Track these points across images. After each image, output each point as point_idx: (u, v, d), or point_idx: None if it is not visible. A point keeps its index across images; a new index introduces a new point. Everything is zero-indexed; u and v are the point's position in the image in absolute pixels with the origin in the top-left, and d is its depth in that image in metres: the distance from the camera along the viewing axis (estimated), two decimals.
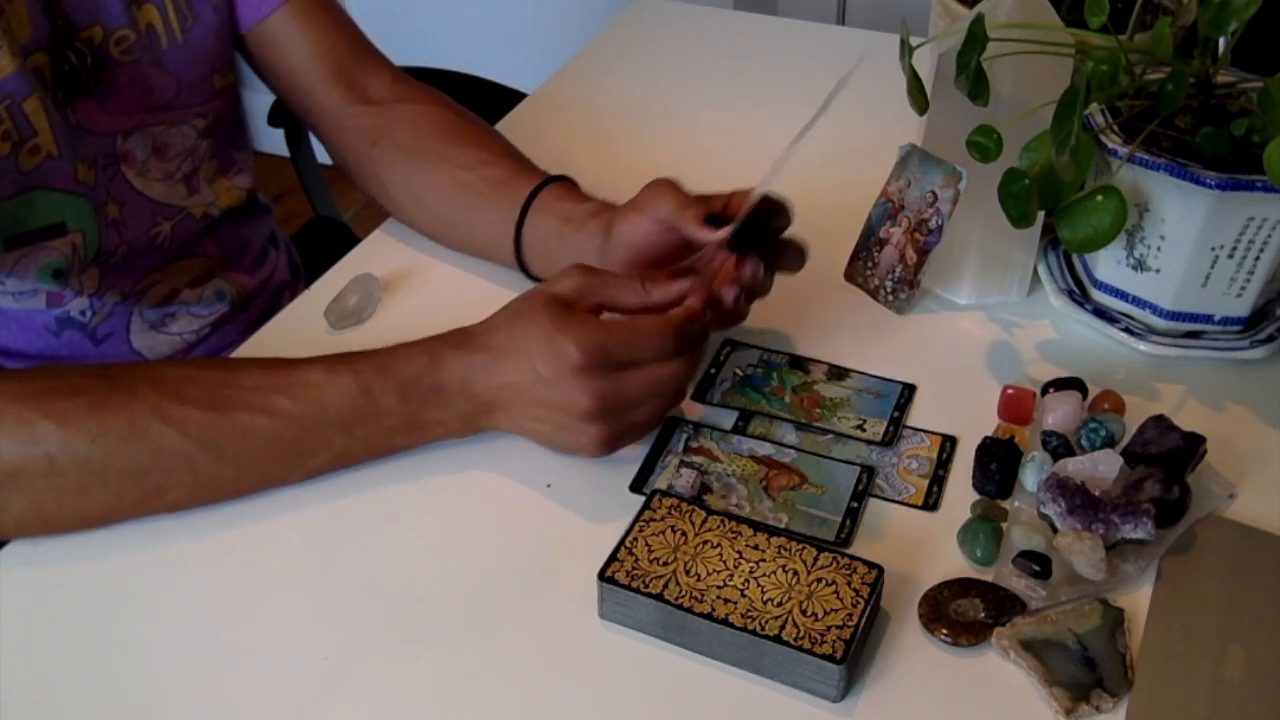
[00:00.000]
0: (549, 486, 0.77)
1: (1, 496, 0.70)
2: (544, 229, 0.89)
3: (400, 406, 0.76)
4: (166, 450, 0.72)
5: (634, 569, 0.67)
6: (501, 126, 1.10)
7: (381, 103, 1.01)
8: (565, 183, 0.92)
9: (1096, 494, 0.72)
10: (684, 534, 0.69)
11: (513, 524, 0.75)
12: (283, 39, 1.00)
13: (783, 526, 0.74)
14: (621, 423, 0.75)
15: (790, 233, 0.83)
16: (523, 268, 0.92)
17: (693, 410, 0.83)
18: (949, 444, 0.80)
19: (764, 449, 0.79)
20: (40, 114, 0.86)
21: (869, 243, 0.93)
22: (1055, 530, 0.72)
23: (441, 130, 0.98)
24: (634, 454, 0.79)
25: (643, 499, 0.73)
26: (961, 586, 0.69)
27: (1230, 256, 0.82)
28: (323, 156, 1.45)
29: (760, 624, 0.64)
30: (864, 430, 0.81)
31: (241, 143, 1.08)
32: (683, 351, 0.75)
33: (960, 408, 0.82)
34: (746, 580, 0.67)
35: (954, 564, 0.72)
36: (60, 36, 0.88)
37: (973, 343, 0.89)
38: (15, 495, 0.70)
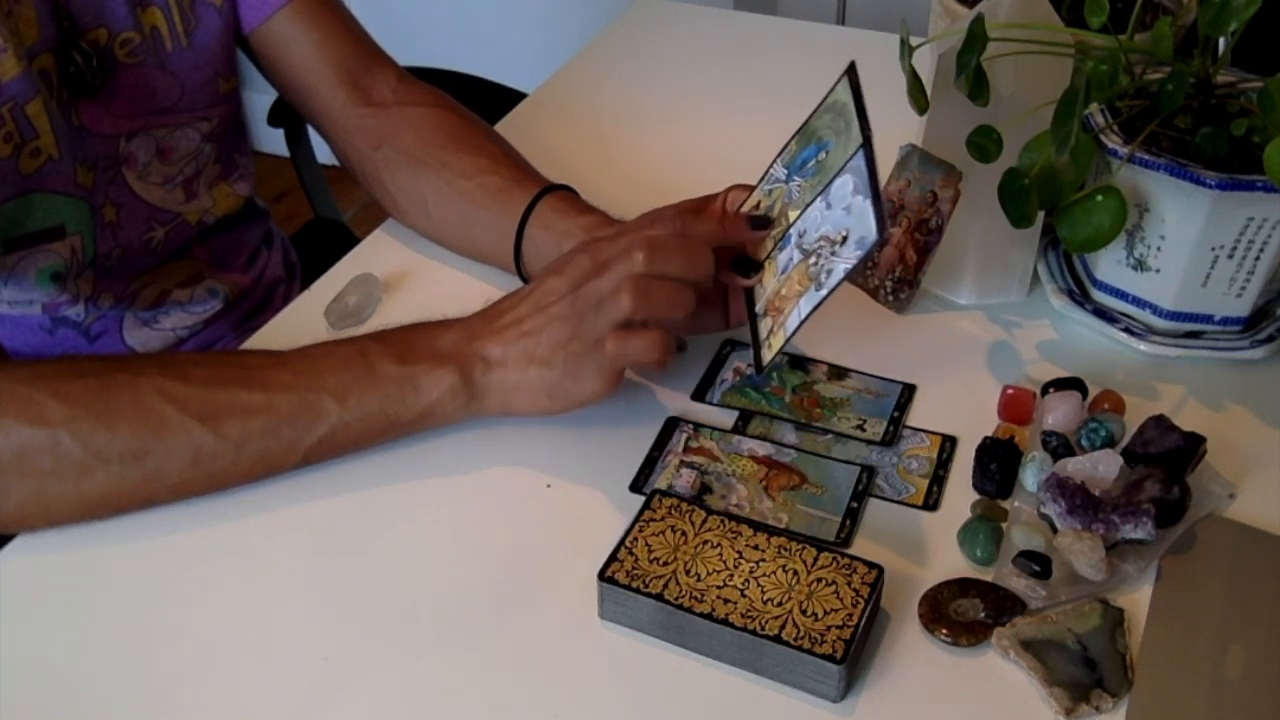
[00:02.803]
0: (549, 486, 0.77)
1: (5, 481, 0.70)
2: (543, 244, 0.89)
3: (397, 370, 0.76)
4: (167, 427, 0.72)
5: (634, 569, 0.67)
6: (501, 126, 1.10)
7: (386, 105, 1.00)
8: (563, 192, 0.92)
9: (1096, 494, 0.72)
10: (684, 534, 0.69)
11: (513, 524, 0.75)
12: (286, 39, 1.00)
13: (783, 526, 0.74)
14: (591, 303, 0.74)
15: None
16: (524, 280, 0.92)
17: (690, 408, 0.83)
18: (949, 444, 0.80)
19: (764, 449, 0.79)
20: (43, 116, 0.86)
21: None
22: (1055, 530, 0.72)
23: (444, 136, 0.98)
24: (634, 454, 0.79)
25: (643, 499, 0.73)
26: (961, 586, 0.69)
27: (1230, 256, 0.82)
28: (322, 156, 1.45)
29: (760, 624, 0.64)
30: (864, 430, 0.81)
31: (243, 148, 1.08)
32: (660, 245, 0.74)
33: (960, 408, 0.82)
34: (746, 580, 0.67)
35: (954, 564, 0.72)
36: (66, 38, 0.88)
37: (973, 343, 0.89)
38: (19, 479, 0.71)
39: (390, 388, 0.76)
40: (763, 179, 0.82)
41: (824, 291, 0.72)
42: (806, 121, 0.80)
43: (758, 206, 0.82)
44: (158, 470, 0.72)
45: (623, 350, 0.74)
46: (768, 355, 0.76)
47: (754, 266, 0.80)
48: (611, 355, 0.74)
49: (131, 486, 0.73)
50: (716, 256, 0.77)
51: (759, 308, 0.79)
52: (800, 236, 0.76)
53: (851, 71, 0.77)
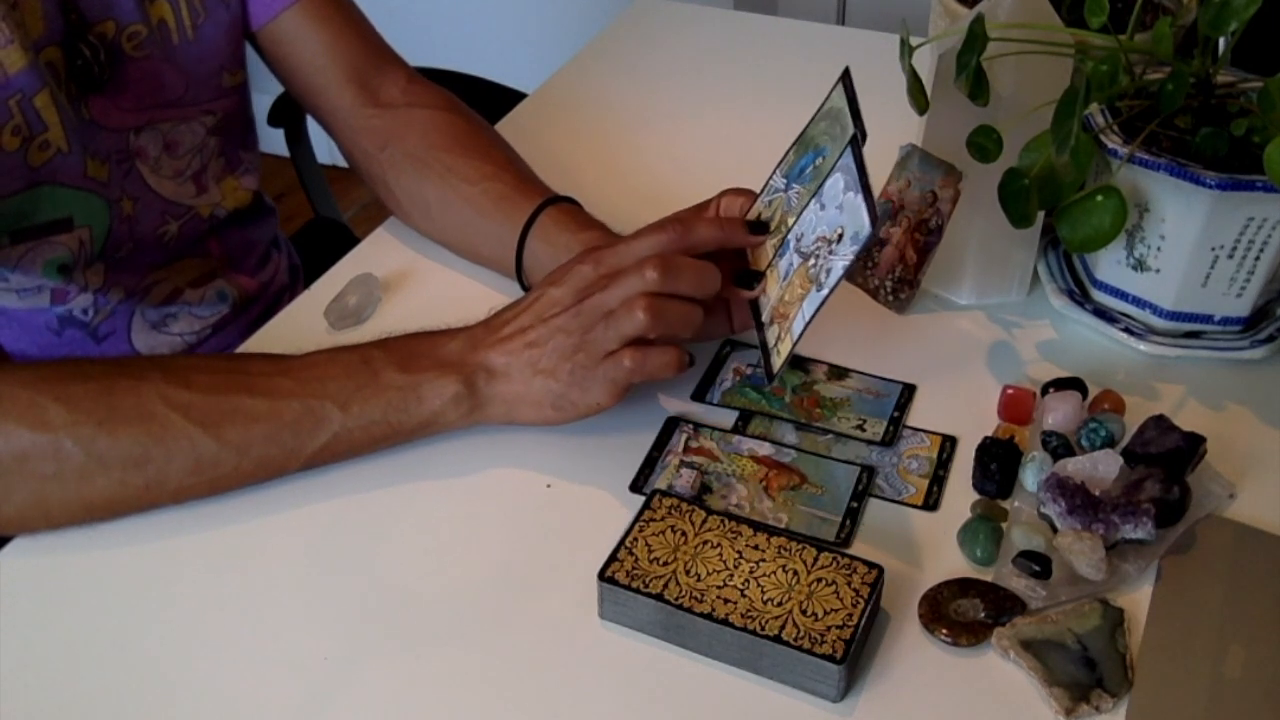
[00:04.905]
0: (549, 486, 0.77)
1: (6, 484, 0.70)
2: (543, 257, 0.89)
3: (400, 379, 0.76)
4: (169, 434, 0.72)
5: (634, 569, 0.67)
6: (501, 127, 1.10)
7: (394, 106, 1.00)
8: (566, 204, 0.92)
9: (1096, 494, 0.72)
10: (684, 534, 0.69)
11: (513, 524, 0.75)
12: (295, 38, 1.00)
13: (783, 526, 0.74)
14: (597, 317, 0.74)
15: None
16: (525, 289, 0.92)
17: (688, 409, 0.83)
18: (949, 444, 0.80)
19: (764, 449, 0.79)
20: (51, 109, 0.86)
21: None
22: (1055, 530, 0.72)
23: (449, 139, 0.97)
24: (634, 454, 0.79)
25: (643, 499, 0.73)
26: (961, 586, 0.69)
27: (1230, 256, 0.82)
28: (323, 156, 1.45)
29: (760, 624, 0.64)
30: (864, 430, 0.81)
31: (250, 143, 1.08)
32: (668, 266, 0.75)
33: (960, 408, 0.82)
34: (746, 580, 0.67)
35: (954, 564, 0.72)
36: (73, 31, 0.88)
37: (973, 343, 0.89)
38: (20, 482, 0.70)
39: (393, 396, 0.76)
40: (763, 190, 0.82)
41: (825, 291, 0.73)
42: (804, 130, 0.81)
43: (759, 218, 0.82)
44: (159, 476, 0.72)
45: (641, 366, 0.74)
46: (777, 362, 0.76)
47: (755, 278, 0.80)
48: (628, 370, 0.74)
49: (133, 491, 0.73)
50: (720, 269, 0.77)
51: (765, 316, 0.79)
52: (798, 240, 0.76)
53: (846, 77, 0.77)
